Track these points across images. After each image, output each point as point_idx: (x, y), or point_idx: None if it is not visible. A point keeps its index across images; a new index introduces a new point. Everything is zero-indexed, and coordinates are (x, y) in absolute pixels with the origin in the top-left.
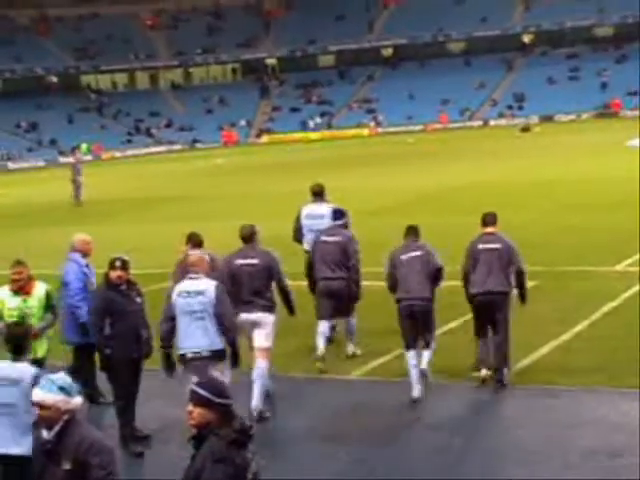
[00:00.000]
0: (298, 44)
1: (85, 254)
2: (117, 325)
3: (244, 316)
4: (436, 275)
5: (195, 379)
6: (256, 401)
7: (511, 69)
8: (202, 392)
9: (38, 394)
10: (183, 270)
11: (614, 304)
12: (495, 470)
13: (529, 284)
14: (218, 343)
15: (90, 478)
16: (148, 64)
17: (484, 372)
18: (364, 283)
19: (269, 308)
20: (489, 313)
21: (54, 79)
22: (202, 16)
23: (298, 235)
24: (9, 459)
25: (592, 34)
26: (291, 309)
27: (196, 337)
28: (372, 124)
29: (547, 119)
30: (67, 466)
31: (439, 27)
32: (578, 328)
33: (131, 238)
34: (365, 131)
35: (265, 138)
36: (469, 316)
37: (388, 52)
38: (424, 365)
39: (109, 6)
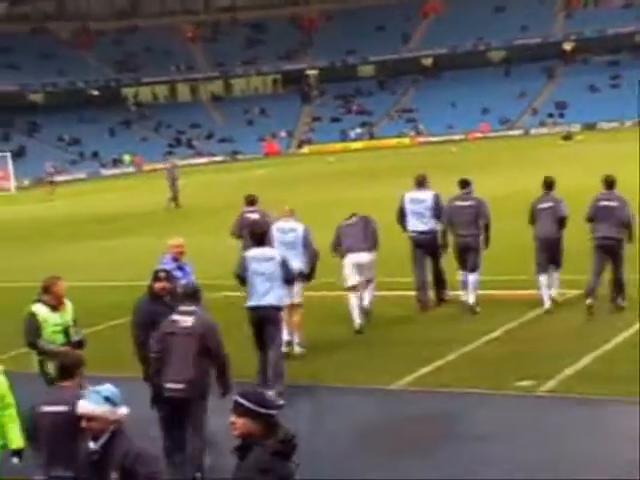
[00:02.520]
0: (338, 55)
1: (176, 257)
2: None
3: (352, 257)
4: (561, 221)
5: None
6: (367, 302)
7: (552, 77)
8: (245, 403)
9: (85, 406)
10: (241, 223)
11: None
12: None
13: (574, 292)
14: (302, 267)
15: None
16: (189, 76)
17: (589, 301)
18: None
19: (370, 249)
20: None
21: (95, 92)
22: (242, 28)
23: (401, 219)
24: (267, 307)
25: (634, 41)
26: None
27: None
28: (413, 133)
29: (589, 127)
30: (114, 476)
31: (479, 36)
32: (620, 338)
33: None
34: (406, 140)
35: (306, 149)
36: (509, 326)
37: (428, 62)
38: (553, 290)
39: (149, 19)
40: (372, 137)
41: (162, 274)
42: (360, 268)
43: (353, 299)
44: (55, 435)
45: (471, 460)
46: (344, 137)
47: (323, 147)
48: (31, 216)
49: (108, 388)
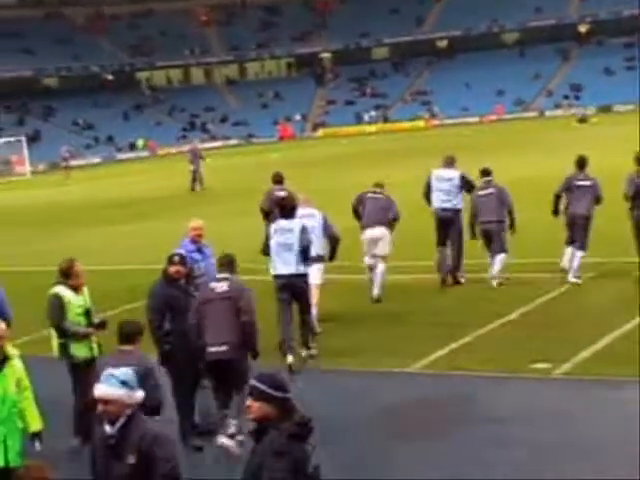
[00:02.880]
0: (352, 37)
1: (194, 239)
2: (176, 321)
3: (368, 232)
4: (598, 200)
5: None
6: (377, 290)
7: (567, 59)
8: (261, 386)
9: (102, 389)
10: (270, 199)
11: None
12: (557, 464)
13: (590, 275)
14: (321, 250)
15: (155, 471)
16: (203, 60)
17: None
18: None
19: (386, 224)
20: None
21: (110, 76)
22: (256, 11)
23: (427, 195)
24: (291, 276)
25: None
26: (393, 226)
27: None
28: (427, 116)
29: (604, 109)
30: (132, 460)
31: (493, 18)
32: (637, 319)
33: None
34: (421, 123)
35: (321, 132)
36: (525, 309)
37: (442, 44)
38: (575, 263)
39: (163, 3)
40: (386, 120)
41: (176, 258)
42: (375, 242)
43: (368, 274)
44: None
45: (486, 442)
46: (359, 120)
47: (338, 130)
48: (47, 201)
49: (125, 372)
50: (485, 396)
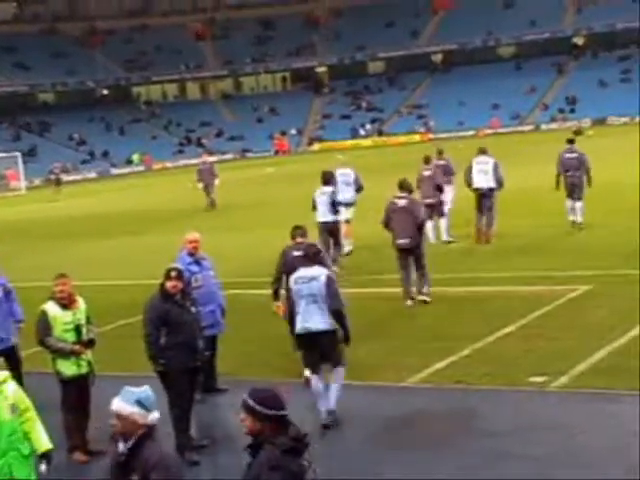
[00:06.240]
0: (347, 51)
1: (191, 252)
2: (172, 335)
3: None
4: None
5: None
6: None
7: (562, 72)
8: (251, 403)
9: (116, 403)
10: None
11: None
12: (554, 477)
13: (584, 288)
14: (353, 195)
15: None
16: (198, 74)
17: None
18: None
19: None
20: None
21: (105, 91)
22: (251, 25)
23: (469, 177)
24: (327, 222)
25: None
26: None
27: None
28: (423, 130)
29: (600, 122)
30: None
31: (488, 32)
32: (634, 332)
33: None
34: (416, 137)
35: (316, 146)
36: (522, 322)
37: (438, 58)
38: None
39: (159, 17)
40: (382, 134)
41: (173, 273)
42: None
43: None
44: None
45: (484, 456)
46: (354, 134)
47: (333, 144)
48: (42, 215)
49: (144, 391)
50: (483, 409)
